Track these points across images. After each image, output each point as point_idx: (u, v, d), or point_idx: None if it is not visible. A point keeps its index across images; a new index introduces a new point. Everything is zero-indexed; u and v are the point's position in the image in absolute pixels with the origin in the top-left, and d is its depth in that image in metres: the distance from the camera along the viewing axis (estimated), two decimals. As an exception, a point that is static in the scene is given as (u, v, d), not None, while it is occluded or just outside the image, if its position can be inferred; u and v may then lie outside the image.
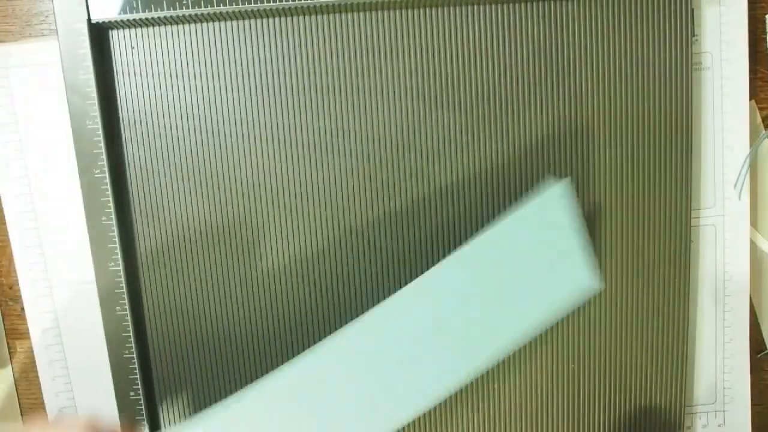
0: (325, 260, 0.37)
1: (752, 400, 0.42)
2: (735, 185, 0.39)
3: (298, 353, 0.38)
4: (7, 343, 0.40)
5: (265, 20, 0.35)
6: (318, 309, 0.38)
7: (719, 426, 0.42)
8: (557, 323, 0.38)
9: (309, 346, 0.38)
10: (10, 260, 0.39)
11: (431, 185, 0.37)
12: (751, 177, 0.40)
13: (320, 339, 0.34)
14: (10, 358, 0.40)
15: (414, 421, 0.39)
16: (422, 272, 0.34)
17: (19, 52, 0.37)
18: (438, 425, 0.39)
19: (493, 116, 0.37)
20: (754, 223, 0.41)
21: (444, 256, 0.37)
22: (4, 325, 0.40)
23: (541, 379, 0.39)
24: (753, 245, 0.41)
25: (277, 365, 0.38)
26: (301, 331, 0.38)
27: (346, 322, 0.34)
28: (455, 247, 0.37)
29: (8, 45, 0.37)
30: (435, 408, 0.39)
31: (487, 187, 0.37)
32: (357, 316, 0.34)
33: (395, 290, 0.33)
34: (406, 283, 0.33)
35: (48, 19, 0.38)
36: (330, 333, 0.38)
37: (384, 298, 0.33)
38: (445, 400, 0.39)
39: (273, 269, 0.37)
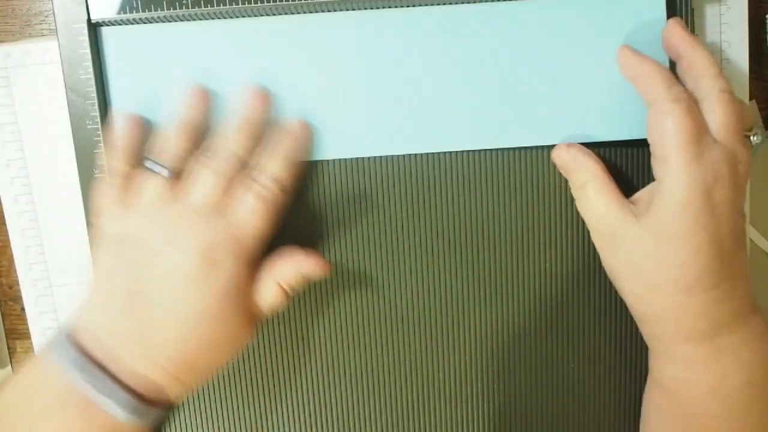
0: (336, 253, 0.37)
1: (752, 400, 0.42)
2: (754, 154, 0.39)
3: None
4: (7, 343, 0.40)
5: (266, 19, 0.35)
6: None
7: (719, 426, 0.42)
8: (556, 324, 0.38)
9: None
10: (10, 260, 0.39)
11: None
12: (751, 177, 0.40)
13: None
14: (10, 358, 0.40)
15: (413, 421, 0.39)
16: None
17: (19, 52, 0.37)
18: (437, 425, 0.39)
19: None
20: (754, 223, 0.41)
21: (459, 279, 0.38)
22: (4, 325, 0.40)
23: (540, 379, 0.39)
24: (753, 245, 0.41)
25: (284, 386, 0.38)
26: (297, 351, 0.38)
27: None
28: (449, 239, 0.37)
29: (8, 45, 0.37)
30: (433, 407, 0.39)
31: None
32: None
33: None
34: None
35: (48, 19, 0.38)
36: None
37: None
38: (444, 400, 0.39)
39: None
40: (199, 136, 0.34)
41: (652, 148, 0.32)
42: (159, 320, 0.31)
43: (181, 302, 0.31)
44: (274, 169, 0.34)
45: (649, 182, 0.35)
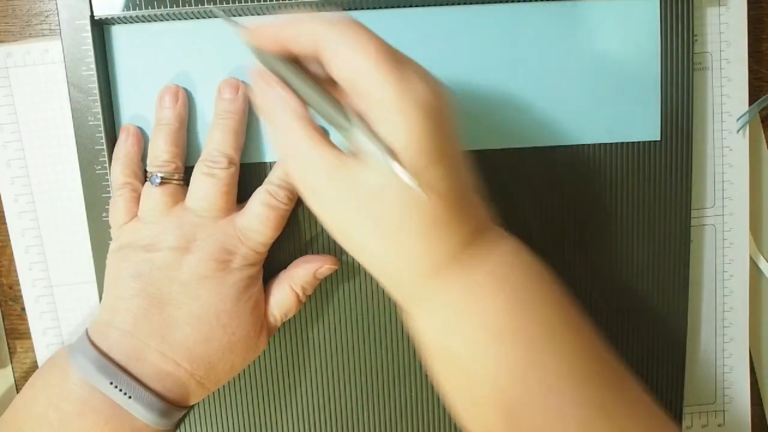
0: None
1: (752, 400, 0.42)
2: (737, 131, 0.39)
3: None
4: (7, 343, 0.40)
5: (267, 17, 0.35)
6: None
7: (719, 426, 0.42)
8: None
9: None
10: (10, 260, 0.39)
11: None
12: (751, 177, 0.40)
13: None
14: (10, 358, 0.40)
15: (412, 421, 0.39)
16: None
17: (19, 52, 0.37)
18: (436, 425, 0.39)
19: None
20: (754, 223, 0.41)
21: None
22: (4, 325, 0.40)
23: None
24: (753, 245, 0.41)
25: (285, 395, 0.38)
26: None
27: None
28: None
29: (8, 45, 0.37)
30: (431, 407, 0.39)
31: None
32: None
33: None
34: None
35: (48, 19, 0.38)
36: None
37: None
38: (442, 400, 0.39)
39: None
40: (182, 135, 0.35)
41: None
42: (176, 320, 0.32)
43: (197, 302, 0.32)
44: (283, 176, 0.34)
45: (652, 184, 0.35)
